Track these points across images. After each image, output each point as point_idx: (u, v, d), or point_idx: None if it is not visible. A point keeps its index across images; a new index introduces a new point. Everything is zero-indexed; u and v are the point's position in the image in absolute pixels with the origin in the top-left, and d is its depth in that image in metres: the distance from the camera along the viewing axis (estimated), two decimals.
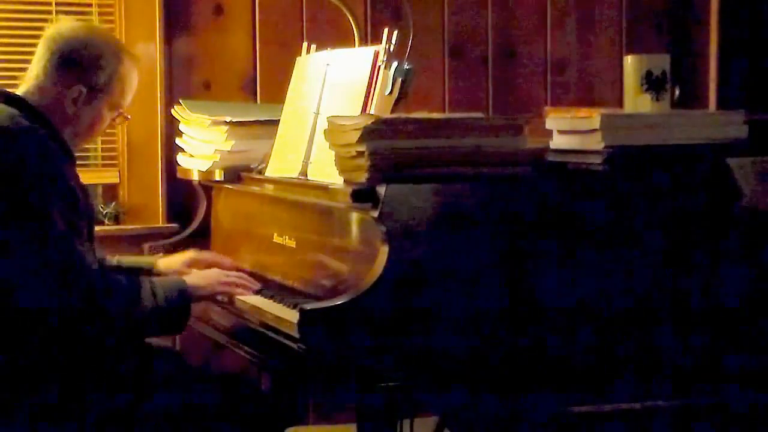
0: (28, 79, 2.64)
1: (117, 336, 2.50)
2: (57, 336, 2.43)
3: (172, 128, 3.52)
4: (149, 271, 2.85)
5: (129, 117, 2.78)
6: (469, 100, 4.04)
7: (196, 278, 2.67)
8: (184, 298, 2.55)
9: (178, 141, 3.32)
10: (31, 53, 2.69)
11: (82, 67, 2.62)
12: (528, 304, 2.41)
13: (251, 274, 2.80)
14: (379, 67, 2.66)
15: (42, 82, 2.62)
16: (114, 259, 2.92)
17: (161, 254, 3.08)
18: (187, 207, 3.56)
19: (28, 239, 2.40)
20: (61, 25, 2.68)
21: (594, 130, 2.45)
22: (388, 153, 2.31)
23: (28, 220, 2.41)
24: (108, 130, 3.10)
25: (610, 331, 2.49)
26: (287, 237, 2.79)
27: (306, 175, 2.77)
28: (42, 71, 2.62)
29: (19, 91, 2.63)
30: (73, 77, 2.61)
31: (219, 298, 2.70)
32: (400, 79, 2.62)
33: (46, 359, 2.45)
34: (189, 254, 2.93)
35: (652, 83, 2.60)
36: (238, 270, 2.82)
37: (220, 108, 3.22)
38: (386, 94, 2.62)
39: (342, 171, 2.42)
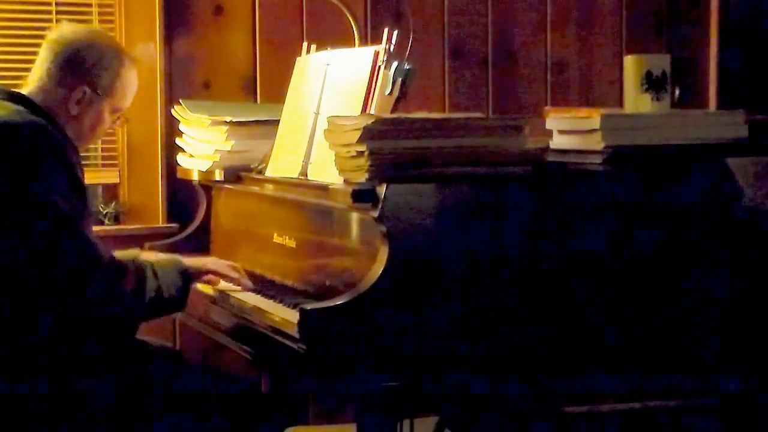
0: (31, 81, 2.67)
1: (128, 318, 2.54)
2: (69, 326, 2.45)
3: (172, 128, 3.52)
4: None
5: (128, 119, 2.80)
6: (469, 100, 4.03)
7: (189, 260, 2.71)
8: (182, 275, 2.59)
9: (178, 141, 3.32)
10: (32, 53, 2.70)
11: (86, 68, 2.65)
12: (527, 302, 2.41)
13: (251, 274, 2.81)
14: (379, 67, 2.66)
15: (45, 83, 2.64)
16: None
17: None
18: (187, 207, 3.55)
19: (40, 228, 2.41)
20: (64, 28, 2.71)
21: (594, 130, 2.45)
22: (388, 153, 2.31)
23: (40, 210, 2.42)
24: (107, 131, 3.10)
25: (609, 331, 2.49)
26: (287, 237, 2.79)
27: (306, 175, 2.77)
28: (45, 73, 2.64)
29: (22, 93, 2.64)
30: (77, 79, 2.64)
31: (214, 282, 2.74)
32: (400, 79, 2.62)
33: (48, 355, 2.46)
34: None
35: (652, 83, 2.60)
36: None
37: (220, 108, 3.22)
38: (386, 94, 2.62)
39: (342, 171, 2.42)
